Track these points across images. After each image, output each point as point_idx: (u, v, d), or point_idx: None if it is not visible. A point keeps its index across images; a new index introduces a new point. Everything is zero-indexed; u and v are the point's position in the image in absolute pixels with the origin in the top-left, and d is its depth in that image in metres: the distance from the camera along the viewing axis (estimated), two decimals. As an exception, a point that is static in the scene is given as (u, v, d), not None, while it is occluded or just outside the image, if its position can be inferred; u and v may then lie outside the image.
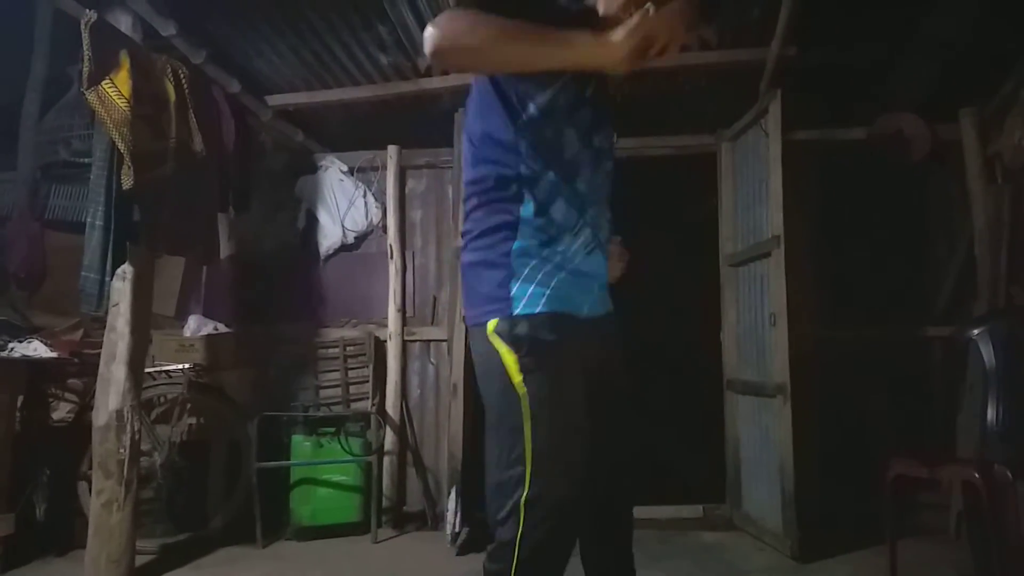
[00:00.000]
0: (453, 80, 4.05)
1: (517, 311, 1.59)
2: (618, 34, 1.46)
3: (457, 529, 3.81)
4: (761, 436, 3.94)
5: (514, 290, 1.60)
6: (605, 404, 1.70)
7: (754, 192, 4.06)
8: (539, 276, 1.61)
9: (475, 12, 1.52)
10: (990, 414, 3.08)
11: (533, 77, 1.64)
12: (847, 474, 3.93)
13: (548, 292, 1.61)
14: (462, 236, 1.75)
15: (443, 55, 1.53)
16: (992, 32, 3.57)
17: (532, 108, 1.65)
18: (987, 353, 3.22)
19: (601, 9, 1.63)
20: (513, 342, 1.57)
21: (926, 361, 4.15)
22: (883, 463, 3.14)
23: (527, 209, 1.64)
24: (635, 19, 1.45)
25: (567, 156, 1.68)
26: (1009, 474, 2.60)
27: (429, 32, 1.50)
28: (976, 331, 3.31)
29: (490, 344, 1.59)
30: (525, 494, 1.52)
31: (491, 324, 1.59)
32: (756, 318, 4.02)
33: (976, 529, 2.89)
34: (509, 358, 1.57)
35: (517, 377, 1.56)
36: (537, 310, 1.59)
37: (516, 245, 1.62)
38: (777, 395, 3.64)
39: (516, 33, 1.51)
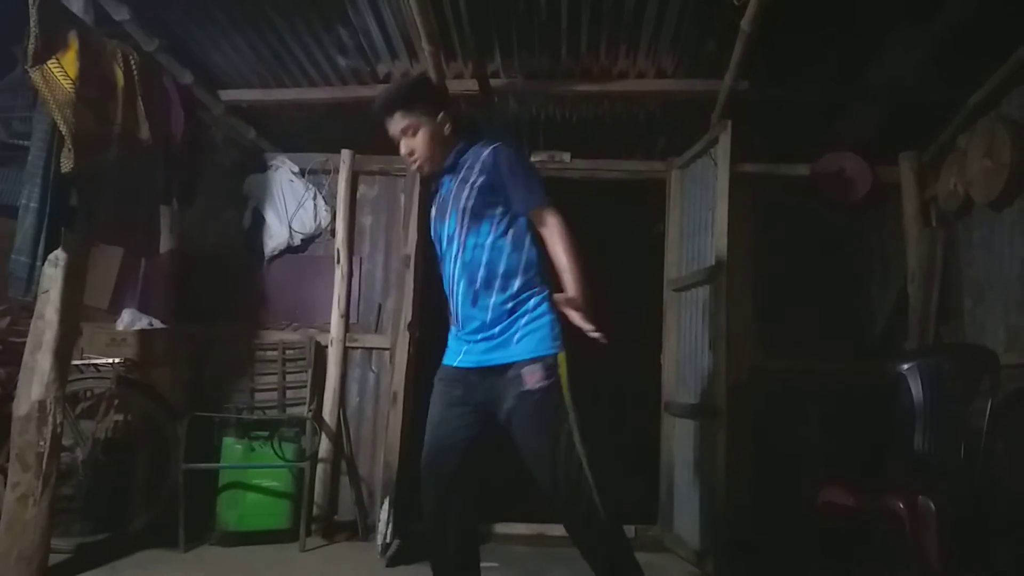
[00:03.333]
0: (411, 89, 4.04)
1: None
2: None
3: (388, 540, 3.75)
4: (695, 459, 3.99)
5: None
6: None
7: (700, 220, 4.14)
8: None
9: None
10: (916, 446, 3.18)
11: None
12: (777, 500, 4.00)
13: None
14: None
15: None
16: (933, 81, 3.73)
17: None
18: (915, 388, 3.33)
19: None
20: None
21: (857, 393, 4.25)
22: (812, 491, 3.22)
23: None
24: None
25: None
26: (932, 505, 2.68)
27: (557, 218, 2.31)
28: (906, 366, 3.42)
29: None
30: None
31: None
32: (696, 343, 4.08)
33: (898, 558, 2.96)
34: None
35: None
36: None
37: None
38: (713, 419, 3.69)
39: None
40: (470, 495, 2.39)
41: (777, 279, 4.40)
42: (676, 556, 4.00)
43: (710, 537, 3.64)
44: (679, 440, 4.27)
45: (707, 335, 3.86)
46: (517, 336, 2.30)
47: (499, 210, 2.35)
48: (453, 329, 2.45)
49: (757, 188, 4.42)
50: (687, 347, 4.24)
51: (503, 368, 2.30)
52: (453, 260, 2.38)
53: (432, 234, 2.51)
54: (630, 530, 4.29)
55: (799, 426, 4.25)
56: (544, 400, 2.25)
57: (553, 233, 2.30)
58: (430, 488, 2.37)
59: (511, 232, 2.36)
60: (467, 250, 2.35)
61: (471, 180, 2.35)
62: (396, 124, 2.41)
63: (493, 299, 2.32)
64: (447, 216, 2.40)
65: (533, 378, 2.25)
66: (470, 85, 3.95)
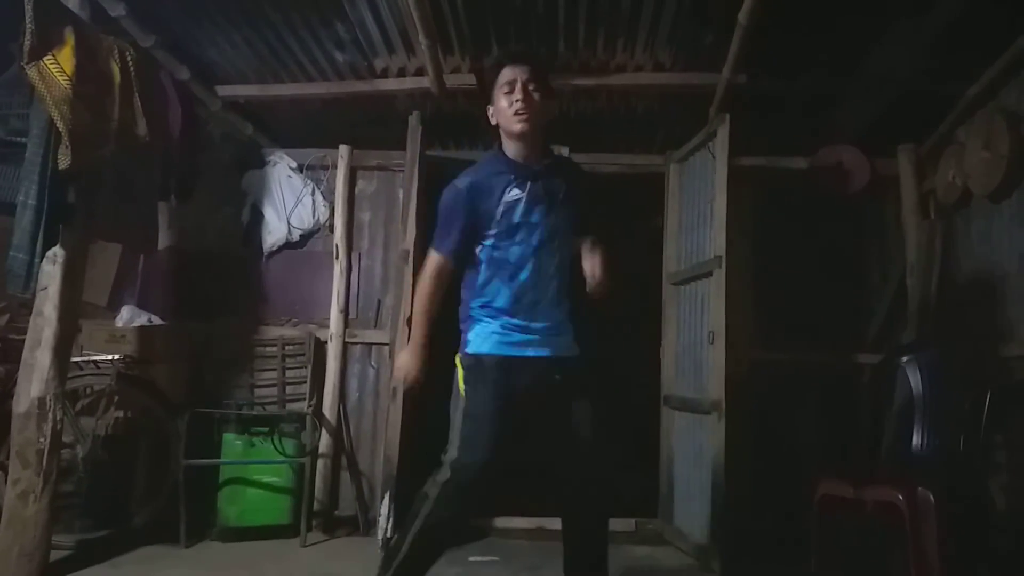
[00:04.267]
0: (409, 83, 4.04)
1: None
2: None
3: (389, 535, 3.76)
4: (694, 452, 3.99)
5: None
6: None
7: (699, 213, 4.14)
8: None
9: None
10: (915, 438, 3.19)
11: None
12: (777, 493, 4.00)
13: None
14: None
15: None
16: (932, 72, 3.72)
17: None
18: (914, 380, 3.34)
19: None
20: None
21: (856, 386, 4.26)
22: (811, 483, 3.23)
23: None
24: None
25: None
26: (931, 497, 2.69)
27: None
28: (905, 359, 3.43)
29: None
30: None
31: None
32: (695, 336, 4.09)
33: (897, 551, 2.97)
34: None
35: None
36: None
37: None
38: (712, 412, 3.69)
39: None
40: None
41: (776, 272, 4.40)
42: (676, 549, 4.01)
43: (710, 530, 3.64)
44: (679, 433, 4.27)
45: (706, 328, 3.86)
46: None
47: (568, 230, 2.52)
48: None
49: (755, 181, 4.42)
50: (686, 340, 4.25)
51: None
52: (535, 252, 2.45)
53: (500, 214, 2.43)
54: (630, 523, 4.33)
55: (798, 419, 4.26)
56: None
57: (597, 252, 2.49)
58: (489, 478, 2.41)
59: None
60: (551, 252, 2.47)
61: (565, 191, 2.49)
62: (530, 76, 2.41)
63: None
64: (537, 207, 2.44)
65: None
66: (468, 79, 3.95)
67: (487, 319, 2.45)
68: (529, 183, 2.43)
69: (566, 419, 2.42)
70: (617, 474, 2.48)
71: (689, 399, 4.10)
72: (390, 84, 4.08)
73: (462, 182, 2.44)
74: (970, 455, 3.07)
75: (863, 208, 4.49)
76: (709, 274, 3.85)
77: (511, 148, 2.48)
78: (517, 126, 2.40)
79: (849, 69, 3.82)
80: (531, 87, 2.40)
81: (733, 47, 3.47)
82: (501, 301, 2.43)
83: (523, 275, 2.43)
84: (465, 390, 2.39)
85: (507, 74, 2.42)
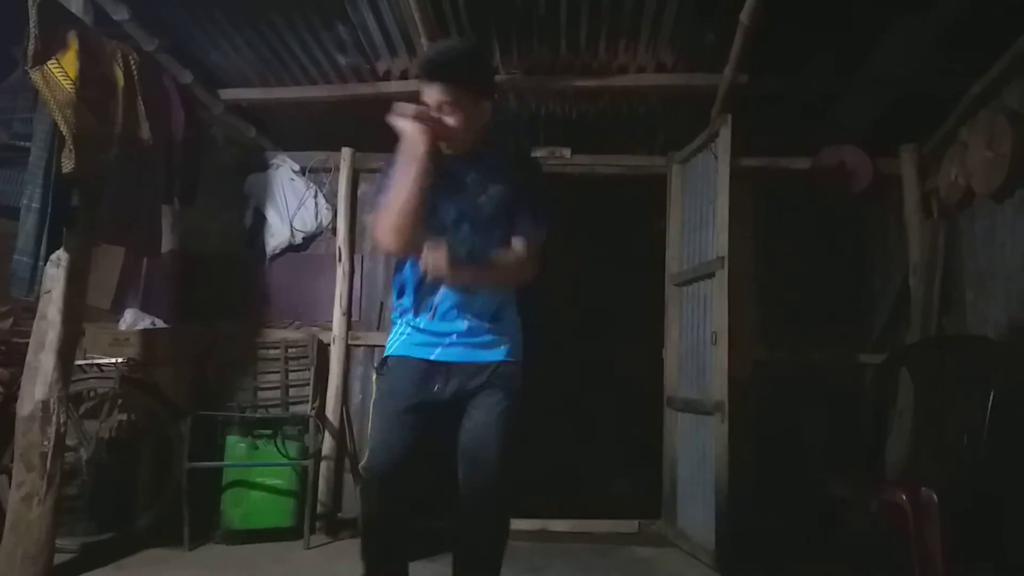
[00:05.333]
0: (413, 85, 4.02)
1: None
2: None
3: (392, 537, 3.76)
4: (698, 453, 3.99)
5: None
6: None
7: (701, 214, 4.14)
8: None
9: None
10: (919, 438, 3.18)
11: None
12: (780, 494, 4.00)
13: None
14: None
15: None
16: (933, 72, 3.72)
17: None
18: (918, 380, 3.33)
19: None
20: None
21: (860, 386, 4.26)
22: (814, 484, 3.22)
23: None
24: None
25: None
26: (935, 497, 2.68)
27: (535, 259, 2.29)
28: (908, 359, 3.42)
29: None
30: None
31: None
32: (698, 337, 4.08)
33: (900, 552, 2.96)
34: None
35: None
36: None
37: None
38: (715, 413, 3.69)
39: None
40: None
41: (779, 272, 4.39)
42: (679, 550, 4.01)
43: (713, 531, 3.64)
44: (682, 434, 4.27)
45: (709, 329, 3.86)
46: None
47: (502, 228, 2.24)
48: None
49: (758, 182, 4.42)
50: (689, 341, 4.24)
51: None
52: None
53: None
54: (633, 524, 4.33)
55: (802, 419, 4.26)
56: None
57: (520, 259, 2.23)
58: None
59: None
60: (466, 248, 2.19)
61: (495, 182, 2.21)
62: (441, 94, 2.11)
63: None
64: (451, 203, 2.20)
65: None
66: (470, 81, 3.94)
67: (399, 320, 2.31)
68: (447, 178, 2.17)
69: (471, 428, 2.20)
70: (512, 493, 2.22)
71: (692, 400, 4.10)
72: (392, 87, 4.08)
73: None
74: (974, 455, 3.06)
75: (866, 208, 4.49)
76: (712, 275, 3.85)
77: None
78: (435, 149, 2.13)
79: (851, 69, 3.82)
80: (448, 108, 2.11)
81: (735, 47, 3.47)
82: (407, 301, 2.28)
83: (435, 288, 2.22)
84: (375, 394, 2.30)
85: (426, 93, 2.15)
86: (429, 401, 2.22)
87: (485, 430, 2.19)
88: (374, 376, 2.34)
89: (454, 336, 2.24)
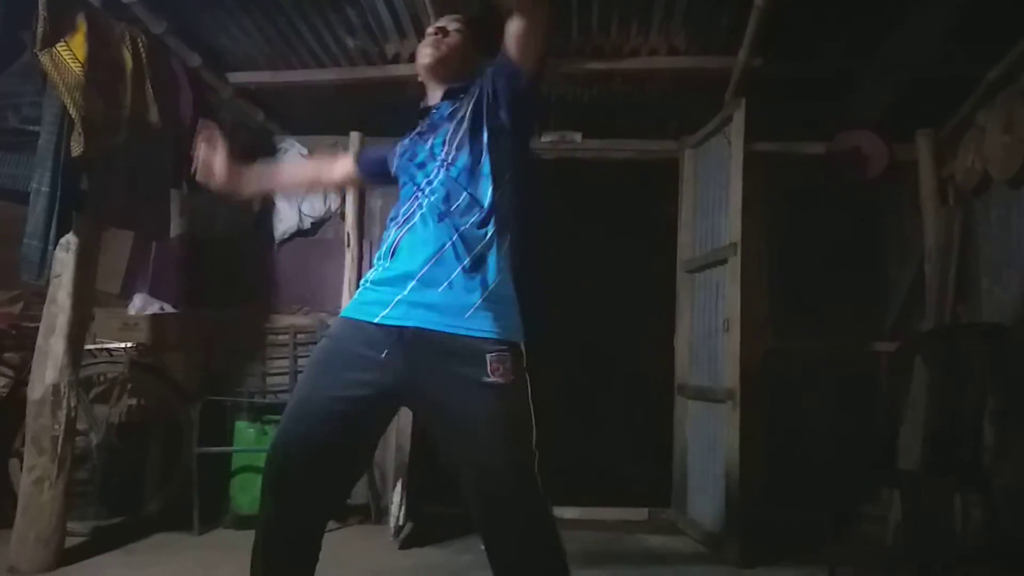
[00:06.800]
0: (421, 70, 4.01)
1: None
2: None
3: (401, 523, 3.76)
4: (709, 441, 3.97)
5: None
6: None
7: (714, 199, 4.10)
8: None
9: None
10: (932, 426, 3.16)
11: None
12: (792, 482, 3.97)
13: None
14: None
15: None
16: (952, 56, 3.66)
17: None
18: (932, 367, 3.30)
19: None
20: None
21: (874, 374, 4.22)
22: (826, 472, 3.20)
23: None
24: None
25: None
26: (948, 485, 2.66)
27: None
28: (922, 347, 3.39)
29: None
30: None
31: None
32: (710, 324, 4.05)
33: (914, 540, 2.95)
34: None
35: None
36: None
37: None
38: (727, 401, 3.66)
39: None
40: None
41: (792, 259, 4.35)
42: (690, 538, 3.99)
43: (724, 519, 3.62)
44: (693, 423, 4.25)
45: (721, 316, 3.83)
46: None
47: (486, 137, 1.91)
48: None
49: (772, 167, 4.35)
50: (701, 329, 4.21)
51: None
52: (413, 197, 1.94)
53: (396, 162, 2.07)
54: (643, 512, 4.31)
55: (814, 408, 4.22)
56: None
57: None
58: None
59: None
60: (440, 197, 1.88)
61: (467, 105, 1.96)
62: (457, 21, 2.09)
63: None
64: (425, 143, 1.97)
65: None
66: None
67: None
68: (420, 122, 2.04)
69: (461, 447, 1.78)
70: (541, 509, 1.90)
71: (703, 388, 4.07)
72: (401, 70, 4.03)
73: None
74: (985, 442, 3.04)
75: (881, 194, 4.43)
76: (724, 261, 3.81)
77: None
78: (421, 60, 2.04)
79: (867, 52, 3.76)
80: (454, 27, 2.06)
81: (749, 30, 3.42)
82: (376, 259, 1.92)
83: (400, 230, 1.87)
84: None
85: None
86: (367, 382, 1.74)
87: (478, 448, 1.75)
88: None
89: (407, 289, 1.75)
